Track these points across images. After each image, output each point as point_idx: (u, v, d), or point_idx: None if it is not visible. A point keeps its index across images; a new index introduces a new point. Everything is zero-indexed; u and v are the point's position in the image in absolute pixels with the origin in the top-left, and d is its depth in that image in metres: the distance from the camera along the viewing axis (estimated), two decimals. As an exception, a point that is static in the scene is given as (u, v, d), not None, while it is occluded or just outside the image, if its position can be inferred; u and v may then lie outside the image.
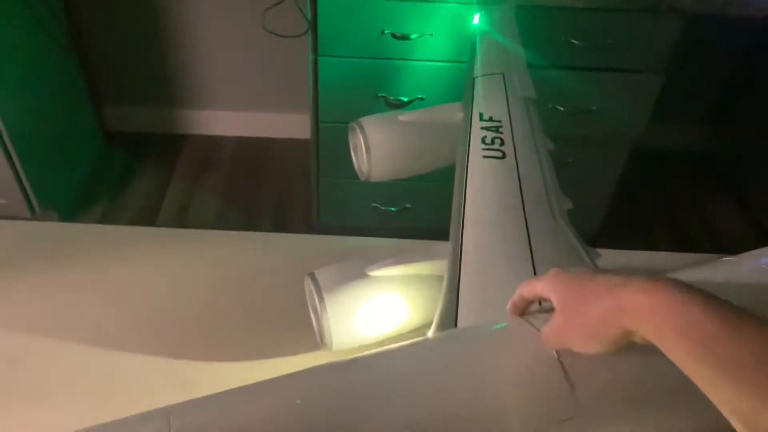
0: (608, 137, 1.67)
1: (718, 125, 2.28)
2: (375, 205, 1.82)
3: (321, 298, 0.73)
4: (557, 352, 0.53)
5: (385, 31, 1.43)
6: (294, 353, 0.75)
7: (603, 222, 1.87)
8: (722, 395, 0.39)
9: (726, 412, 0.40)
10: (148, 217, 2.05)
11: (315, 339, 0.78)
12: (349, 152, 1.02)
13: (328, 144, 1.67)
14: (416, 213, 1.82)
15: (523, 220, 0.80)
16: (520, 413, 0.50)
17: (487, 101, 0.95)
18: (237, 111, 2.26)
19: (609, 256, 0.82)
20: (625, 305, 0.45)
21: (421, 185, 1.68)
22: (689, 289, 0.43)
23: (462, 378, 0.52)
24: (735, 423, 0.39)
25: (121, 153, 2.24)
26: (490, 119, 0.92)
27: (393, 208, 1.82)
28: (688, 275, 0.67)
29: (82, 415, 0.50)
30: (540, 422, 0.50)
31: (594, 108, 1.57)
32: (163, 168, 2.21)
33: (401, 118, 0.96)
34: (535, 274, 0.71)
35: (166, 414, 0.47)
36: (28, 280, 0.92)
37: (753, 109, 2.16)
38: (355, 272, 0.75)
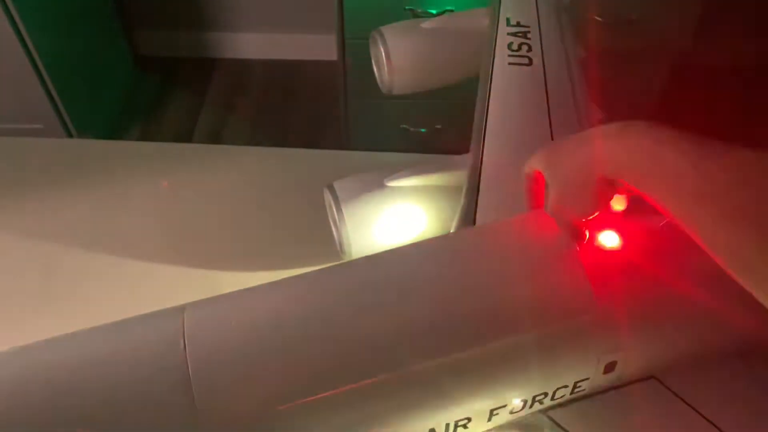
0: (650, 49, 1.58)
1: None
2: (404, 126, 1.78)
3: (339, 209, 0.73)
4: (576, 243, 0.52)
5: (413, -62, 1.36)
6: (316, 264, 0.75)
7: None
8: (719, 238, 0.37)
9: (724, 259, 0.37)
10: (182, 141, 2.07)
11: (336, 249, 0.79)
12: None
13: (355, 62, 1.63)
14: (447, 134, 1.79)
15: (549, 132, 0.77)
16: (536, 306, 0.49)
17: (515, 5, 0.89)
18: (266, 33, 2.22)
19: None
20: (601, 155, 0.43)
21: (451, 104, 1.63)
22: (660, 128, 0.41)
23: (476, 272, 0.51)
24: (735, 270, 0.37)
25: (153, 77, 2.25)
26: (518, 24, 0.87)
27: (423, 129, 1.79)
28: None
29: (113, 318, 0.51)
30: (557, 318, 0.50)
31: (635, 17, 1.48)
32: (194, 92, 2.21)
33: (423, 25, 0.92)
34: None
35: (181, 309, 0.48)
36: (63, 194, 0.94)
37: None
38: (374, 183, 0.74)
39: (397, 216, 0.73)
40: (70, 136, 1.82)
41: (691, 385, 0.57)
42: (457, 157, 0.76)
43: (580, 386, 0.54)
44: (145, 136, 2.07)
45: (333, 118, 2.09)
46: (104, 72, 2.04)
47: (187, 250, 0.87)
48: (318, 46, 2.20)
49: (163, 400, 0.43)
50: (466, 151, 0.77)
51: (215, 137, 2.09)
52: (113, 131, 2.05)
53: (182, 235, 0.90)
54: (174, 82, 2.25)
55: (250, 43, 2.24)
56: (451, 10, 1.46)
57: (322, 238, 0.82)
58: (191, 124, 2.13)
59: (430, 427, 0.51)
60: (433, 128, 1.78)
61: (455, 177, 0.74)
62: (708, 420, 0.54)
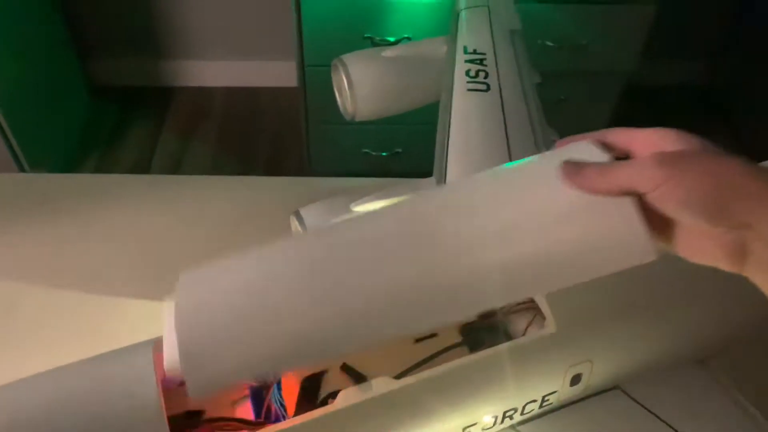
0: (600, 73, 1.65)
1: (713, 58, 2.24)
2: (366, 150, 1.81)
3: (307, 235, 0.74)
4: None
5: (369, -31, 1.39)
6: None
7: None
8: None
9: None
10: (141, 172, 2.04)
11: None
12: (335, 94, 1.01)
13: (315, 88, 1.65)
14: (408, 157, 1.82)
15: (507, 153, 0.80)
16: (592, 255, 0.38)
17: (471, 34, 0.93)
18: (225, 60, 2.23)
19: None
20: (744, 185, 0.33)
21: (411, 128, 1.67)
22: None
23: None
24: None
25: (110, 107, 2.22)
26: (474, 52, 0.91)
27: (384, 153, 1.82)
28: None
29: (80, 355, 0.51)
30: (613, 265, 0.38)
31: (584, 42, 1.54)
32: (153, 121, 2.19)
33: (384, 53, 0.94)
34: None
35: (150, 342, 0.48)
36: (22, 230, 0.92)
37: (751, 41, 2.13)
38: (340, 208, 0.76)
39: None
40: (23, 171, 1.78)
41: (652, 393, 0.59)
42: (422, 181, 0.78)
43: (548, 399, 0.56)
44: (102, 168, 2.04)
45: (295, 143, 2.10)
46: (58, 103, 2.01)
47: (153, 283, 0.86)
48: (278, 73, 2.22)
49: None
50: (427, 173, 0.80)
51: (175, 166, 2.08)
52: (69, 164, 2.02)
53: (147, 268, 0.89)
54: (132, 112, 2.22)
55: (209, 71, 2.24)
56: (409, 38, 1.50)
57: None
58: (149, 154, 2.10)
59: (406, 447, 0.52)
60: (394, 151, 1.81)
61: (420, 200, 0.75)
62: (669, 426, 0.57)
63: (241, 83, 2.27)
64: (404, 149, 1.80)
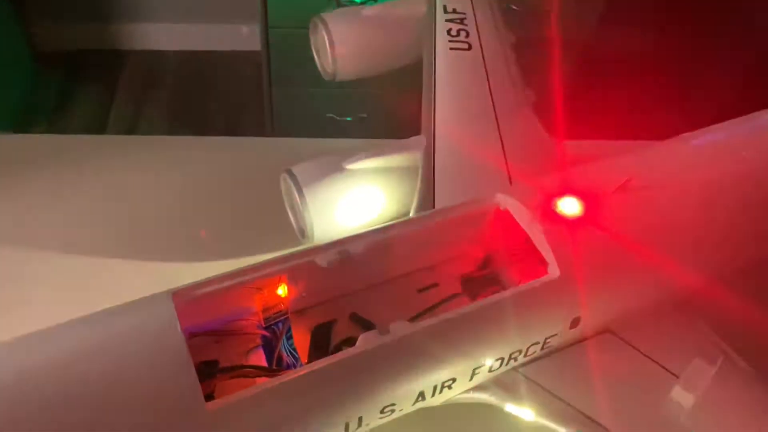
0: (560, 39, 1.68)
1: (663, 27, 2.31)
2: (330, 115, 1.79)
3: (301, 193, 0.74)
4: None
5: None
6: (276, 249, 0.75)
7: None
8: None
9: None
10: (94, 139, 1.97)
11: (294, 235, 0.79)
12: (306, 57, 0.99)
13: (280, 51, 1.62)
14: (373, 122, 1.81)
15: (492, 109, 0.82)
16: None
17: (450, -7, 0.93)
18: (179, 23, 2.15)
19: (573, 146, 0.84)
20: None
21: (377, 92, 1.67)
22: None
23: None
24: None
25: (56, 74, 2.12)
26: (454, 11, 0.91)
27: (349, 118, 1.80)
28: None
29: (71, 317, 0.50)
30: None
31: (548, 8, 1.57)
32: (103, 88, 2.11)
33: (365, 12, 0.93)
34: (504, 155, 0.73)
35: (168, 292, 0.48)
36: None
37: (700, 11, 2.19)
38: (333, 166, 0.76)
39: (358, 198, 0.75)
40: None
41: (641, 336, 0.63)
42: (411, 140, 0.79)
43: (549, 342, 0.59)
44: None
45: (253, 109, 2.06)
46: (1, 71, 1.90)
47: (135, 246, 0.84)
48: (235, 36, 2.16)
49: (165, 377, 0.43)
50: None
51: (129, 133, 2.01)
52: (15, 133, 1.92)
53: (129, 231, 0.87)
54: (80, 78, 2.13)
55: (162, 34, 2.16)
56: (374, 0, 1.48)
57: (277, 224, 0.82)
58: (102, 120, 2.03)
59: (420, 390, 0.54)
60: (358, 117, 1.80)
61: (412, 158, 0.76)
62: (658, 363, 0.60)
63: (196, 47, 2.20)
64: (369, 114, 1.80)
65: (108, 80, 2.13)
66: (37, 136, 1.47)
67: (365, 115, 1.80)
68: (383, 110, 1.76)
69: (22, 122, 1.96)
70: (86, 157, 0.97)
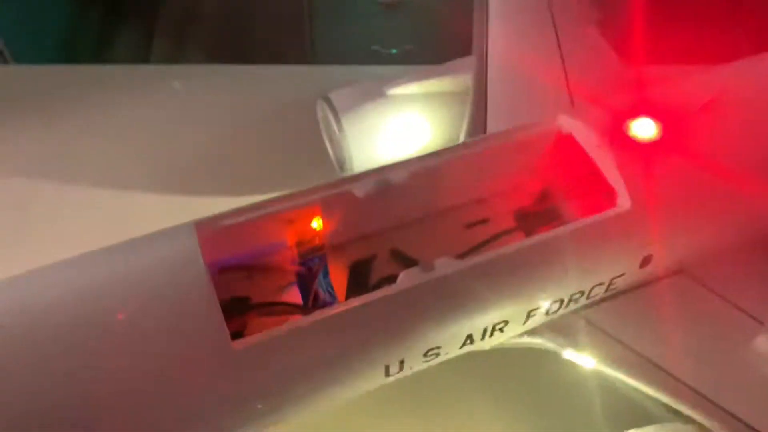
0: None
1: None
2: (375, 47, 1.71)
3: (338, 121, 0.68)
4: None
5: None
6: (309, 182, 0.70)
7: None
8: None
9: None
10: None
11: (332, 166, 0.74)
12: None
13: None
14: (419, 54, 1.72)
15: (551, 24, 0.73)
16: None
17: None
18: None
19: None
20: None
21: (424, 21, 1.57)
22: None
23: None
24: None
25: (96, 11, 2.08)
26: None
27: (394, 50, 1.72)
28: None
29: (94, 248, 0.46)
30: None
31: None
32: (142, 25, 2.07)
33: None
34: (565, 74, 0.65)
35: (191, 224, 0.44)
36: (26, 125, 0.86)
37: None
38: (373, 92, 0.70)
39: (399, 126, 0.69)
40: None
41: (720, 277, 0.56)
42: (459, 61, 0.72)
43: (615, 283, 0.52)
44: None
45: (296, 44, 1.99)
46: (44, 5, 1.87)
47: (171, 177, 0.81)
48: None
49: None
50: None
51: (171, 63, 1.97)
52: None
53: (165, 161, 0.84)
54: (119, 16, 2.09)
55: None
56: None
57: (315, 154, 0.77)
58: (145, 59, 1.99)
59: (468, 333, 0.49)
60: (404, 49, 1.71)
61: (460, 82, 0.69)
62: (739, 308, 0.54)
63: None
64: (416, 45, 1.70)
65: (149, 12, 2.09)
66: (79, 66, 1.44)
67: (411, 47, 1.71)
68: (430, 40, 1.67)
69: (66, 57, 1.95)
70: (127, 86, 0.94)
